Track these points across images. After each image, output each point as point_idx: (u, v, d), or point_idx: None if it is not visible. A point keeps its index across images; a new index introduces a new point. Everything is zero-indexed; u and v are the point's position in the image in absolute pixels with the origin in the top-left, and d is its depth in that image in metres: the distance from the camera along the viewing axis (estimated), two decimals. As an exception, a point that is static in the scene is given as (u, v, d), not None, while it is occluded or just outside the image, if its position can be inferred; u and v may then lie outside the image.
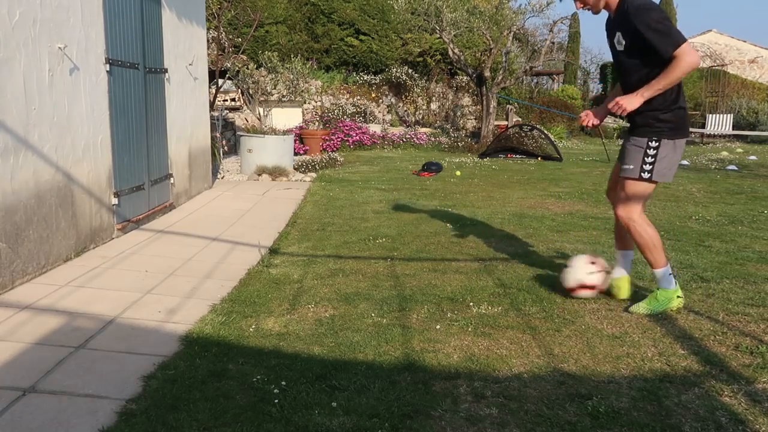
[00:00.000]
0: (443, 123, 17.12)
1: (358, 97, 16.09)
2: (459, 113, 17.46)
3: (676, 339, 2.96)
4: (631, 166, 3.19)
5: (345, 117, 14.59)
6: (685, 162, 11.17)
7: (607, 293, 3.52)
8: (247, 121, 12.49)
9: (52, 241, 4.09)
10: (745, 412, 2.29)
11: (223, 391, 2.42)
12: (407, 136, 14.29)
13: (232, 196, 7.29)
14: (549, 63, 19.67)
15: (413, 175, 9.42)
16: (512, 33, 14.44)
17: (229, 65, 12.57)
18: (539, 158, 11.82)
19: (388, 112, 16.66)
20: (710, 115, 18.33)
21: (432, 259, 4.44)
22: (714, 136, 18.25)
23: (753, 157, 12.38)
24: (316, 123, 13.74)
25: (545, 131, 13.56)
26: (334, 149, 12.94)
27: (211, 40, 11.64)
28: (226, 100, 13.20)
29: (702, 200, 7.02)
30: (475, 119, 17.21)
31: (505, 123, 15.96)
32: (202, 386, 2.46)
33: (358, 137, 13.45)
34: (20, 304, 3.38)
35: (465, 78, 16.63)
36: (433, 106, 17.45)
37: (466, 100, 17.54)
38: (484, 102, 14.14)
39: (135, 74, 5.37)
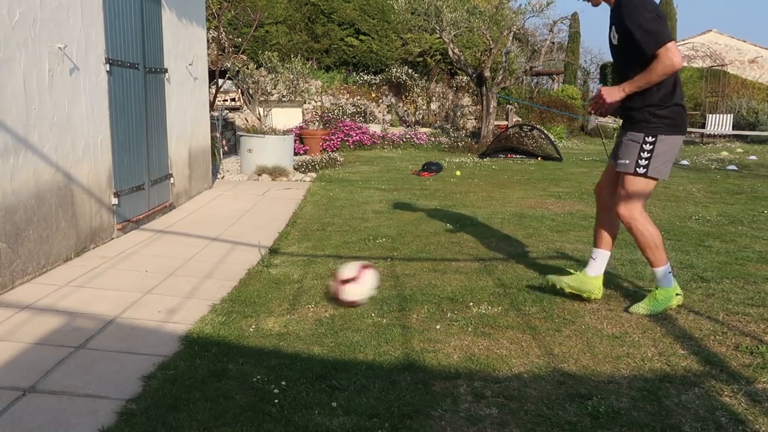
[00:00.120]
0: (443, 123, 17.12)
1: (358, 97, 16.09)
2: (459, 113, 17.46)
3: (676, 339, 2.96)
4: (627, 161, 3.17)
5: (345, 117, 14.59)
6: (685, 162, 11.17)
7: (578, 296, 3.47)
8: (247, 121, 12.49)
9: (52, 241, 4.09)
10: (745, 412, 2.29)
11: (223, 391, 2.42)
12: (407, 136, 14.29)
13: (232, 196, 7.29)
14: (549, 63, 19.67)
15: (413, 175, 9.42)
16: (512, 33, 14.44)
17: (229, 65, 12.57)
18: (539, 158, 11.82)
19: (388, 112, 16.66)
20: (710, 115, 18.33)
21: (432, 259, 4.44)
22: (714, 136, 18.25)
23: (753, 157, 12.38)
24: (316, 123, 13.74)
25: (545, 131, 13.56)
26: (334, 149, 12.94)
27: (211, 40, 11.64)
28: (226, 100, 13.20)
29: (702, 200, 7.02)
30: (475, 119, 17.21)
31: (505, 123, 15.96)
32: (202, 386, 2.46)
33: (358, 137, 13.45)
34: (20, 304, 3.38)
35: (465, 78, 16.63)
36: (433, 106, 17.46)
37: (466, 100, 17.54)
38: (484, 102, 14.14)
39: (135, 74, 5.37)
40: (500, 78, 14.06)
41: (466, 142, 14.04)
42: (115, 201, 5.01)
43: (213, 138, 8.55)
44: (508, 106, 17.12)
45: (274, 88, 13.52)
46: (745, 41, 23.14)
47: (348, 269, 3.45)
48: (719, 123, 17.97)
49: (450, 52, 13.93)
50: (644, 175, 3.15)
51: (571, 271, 3.62)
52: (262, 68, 12.85)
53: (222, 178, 8.72)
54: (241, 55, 14.06)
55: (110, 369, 2.64)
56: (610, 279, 3.76)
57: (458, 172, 9.59)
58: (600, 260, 3.47)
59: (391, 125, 15.98)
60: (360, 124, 14.33)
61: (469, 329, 3.10)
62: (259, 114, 12.31)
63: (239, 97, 13.48)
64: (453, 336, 3.01)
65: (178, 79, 6.52)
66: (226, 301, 3.51)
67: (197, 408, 2.29)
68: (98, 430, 2.16)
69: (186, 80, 6.78)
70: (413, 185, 8.27)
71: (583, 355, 2.79)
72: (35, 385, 2.47)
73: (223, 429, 2.16)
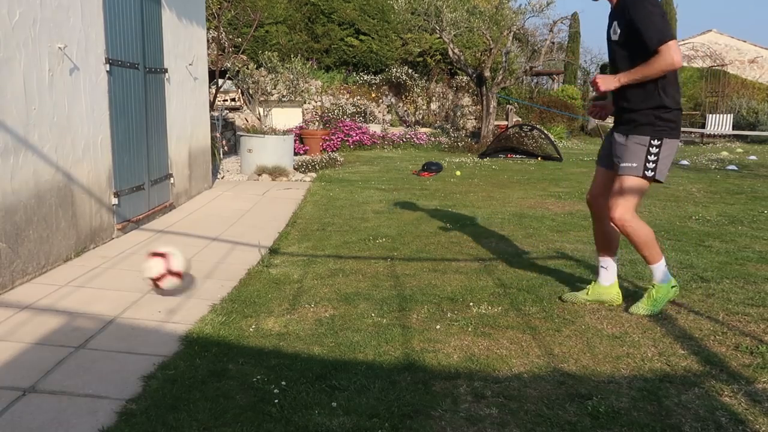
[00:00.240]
0: (443, 123, 17.12)
1: (358, 97, 16.09)
2: (459, 113, 17.46)
3: (676, 339, 2.96)
4: (635, 164, 3.13)
5: (345, 117, 14.58)
6: (685, 162, 11.17)
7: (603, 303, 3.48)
8: (247, 121, 12.49)
9: (52, 241, 4.09)
10: (745, 412, 2.29)
11: (223, 391, 2.42)
12: (407, 136, 14.29)
13: (232, 196, 7.29)
14: (549, 63, 19.67)
15: (413, 175, 9.42)
16: (512, 33, 14.44)
17: (229, 65, 12.57)
18: (539, 158, 11.82)
19: (388, 112, 16.66)
20: (710, 115, 18.33)
21: (432, 259, 4.44)
22: (714, 136, 18.25)
23: (753, 157, 12.38)
24: (316, 123, 13.74)
25: (545, 131, 13.56)
26: (334, 149, 12.94)
27: (211, 40, 11.64)
28: (226, 100, 13.20)
29: (702, 200, 7.02)
30: (475, 119, 17.21)
31: (505, 123, 15.96)
32: (202, 386, 2.46)
33: (358, 137, 13.45)
34: (20, 304, 3.38)
35: (465, 78, 16.63)
36: (433, 106, 17.46)
37: (466, 100, 17.54)
38: (484, 102, 14.14)
39: (135, 74, 5.37)
40: (500, 78, 14.06)
41: (466, 142, 14.04)
42: (115, 201, 5.01)
43: (213, 138, 8.55)
44: (508, 106, 17.12)
45: (274, 88, 13.52)
46: (745, 41, 23.15)
47: (151, 269, 3.48)
48: (719, 123, 17.97)
49: (450, 52, 13.93)
50: (651, 179, 3.13)
51: (578, 275, 3.61)
52: (262, 68, 12.85)
53: (222, 178, 8.72)
54: (241, 55, 14.06)
55: (110, 369, 2.64)
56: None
57: (458, 172, 9.59)
58: (611, 268, 3.45)
59: (391, 125, 15.98)
60: (360, 124, 14.33)
61: (469, 329, 3.10)
62: (259, 114, 12.32)
63: (239, 97, 13.48)
64: (453, 336, 3.01)
65: (178, 79, 6.52)
66: (226, 301, 3.51)
67: (197, 408, 2.29)
68: (98, 430, 2.16)
69: (186, 80, 6.78)
70: (413, 185, 8.27)
71: (583, 355, 2.79)
72: (35, 385, 2.47)
73: (223, 429, 2.16)
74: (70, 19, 4.32)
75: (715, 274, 3.98)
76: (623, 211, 3.16)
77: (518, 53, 16.44)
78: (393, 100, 16.80)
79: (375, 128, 14.50)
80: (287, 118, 13.67)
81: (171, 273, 3.49)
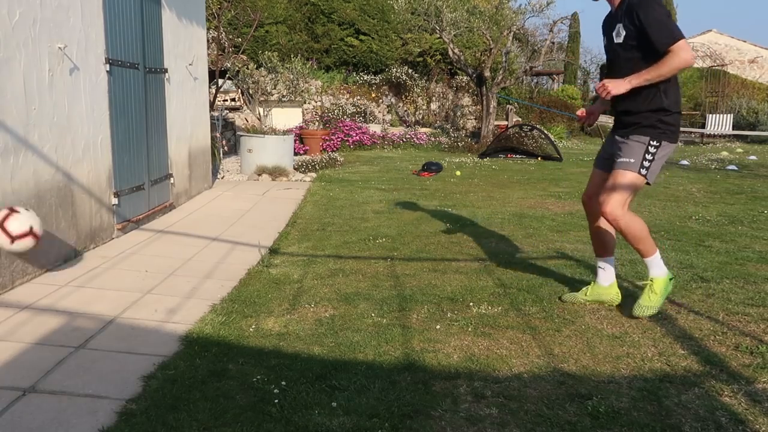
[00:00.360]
0: (443, 123, 17.12)
1: (358, 97, 16.09)
2: (459, 113, 17.46)
3: (676, 339, 2.96)
4: (632, 160, 3.12)
5: (345, 117, 14.58)
6: (685, 162, 11.17)
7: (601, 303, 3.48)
8: (247, 121, 12.49)
9: (52, 241, 4.09)
10: (745, 412, 2.29)
11: (223, 391, 2.42)
12: (407, 136, 14.29)
13: (232, 196, 7.29)
14: (549, 63, 19.67)
15: (413, 175, 9.41)
16: (512, 33, 14.44)
17: (229, 65, 12.57)
18: (539, 158, 11.82)
19: (388, 112, 16.66)
20: (710, 115, 18.33)
21: (432, 259, 4.44)
22: (714, 136, 18.26)
23: (753, 157, 12.38)
24: (316, 123, 13.74)
25: (545, 131, 13.56)
26: (334, 149, 12.94)
27: (211, 40, 11.65)
28: (226, 100, 13.20)
29: (702, 200, 7.02)
30: (475, 119, 17.22)
31: (505, 123, 15.96)
32: (202, 386, 2.46)
33: (358, 137, 13.45)
34: (20, 304, 3.38)
35: (465, 78, 16.63)
36: (433, 106, 17.46)
37: (466, 100, 17.54)
38: (484, 102, 14.14)
39: (135, 74, 5.37)
40: (500, 78, 14.06)
41: (466, 142, 14.04)
42: (115, 201, 5.01)
43: (213, 138, 8.55)
44: (508, 106, 17.12)
45: (274, 88, 13.52)
46: (745, 41, 23.14)
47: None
48: (719, 123, 17.97)
49: (450, 52, 13.93)
50: (644, 177, 3.13)
51: (583, 277, 3.61)
52: (262, 68, 12.85)
53: (222, 178, 8.72)
54: (241, 55, 14.06)
55: (110, 369, 2.64)
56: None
57: (458, 172, 9.59)
58: (609, 268, 3.44)
59: (391, 125, 15.99)
60: (360, 124, 14.33)
61: (469, 329, 3.10)
62: (259, 114, 12.31)
63: (239, 97, 13.47)
64: (453, 336, 3.01)
65: (178, 79, 6.52)
66: (226, 301, 3.51)
67: (197, 408, 2.29)
68: (98, 430, 2.16)
69: (186, 80, 6.78)
70: (413, 185, 8.27)
71: (583, 355, 2.79)
72: (35, 385, 2.47)
73: (223, 429, 2.16)
74: (70, 19, 4.32)
75: (715, 274, 3.98)
76: (615, 205, 3.13)
77: (518, 53, 16.44)
78: (393, 100, 16.80)
79: (375, 128, 14.50)
80: (287, 118, 13.67)
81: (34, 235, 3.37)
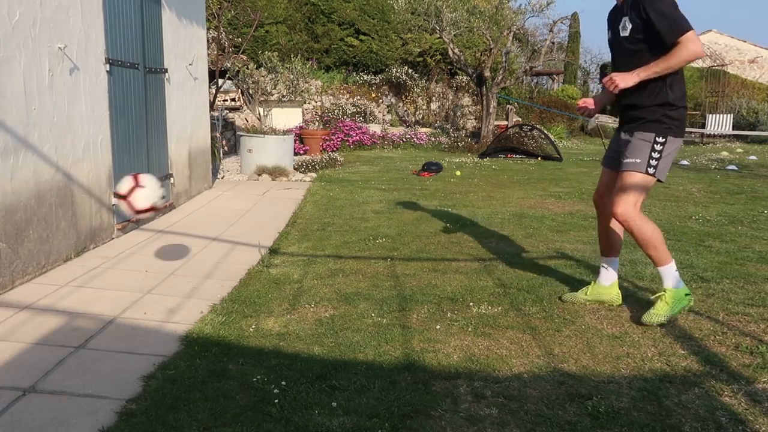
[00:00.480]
0: (443, 123, 17.13)
1: (358, 97, 16.10)
2: (459, 113, 17.46)
3: (676, 339, 2.96)
4: (638, 160, 3.08)
5: (345, 117, 14.59)
6: (685, 162, 11.18)
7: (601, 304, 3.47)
8: (247, 121, 12.49)
9: (52, 241, 4.09)
10: (745, 412, 2.29)
11: (223, 391, 2.42)
12: (407, 136, 14.29)
13: (232, 196, 7.29)
14: (549, 63, 19.67)
15: (413, 175, 9.41)
16: (512, 33, 14.44)
17: (229, 65, 12.57)
18: (539, 158, 11.82)
19: (388, 112, 16.66)
20: (710, 115, 18.33)
21: (432, 259, 4.44)
22: (714, 136, 18.26)
23: (753, 157, 12.38)
24: (316, 123, 13.74)
25: (545, 131, 13.56)
26: (334, 149, 12.94)
27: (211, 40, 11.65)
28: (226, 100, 13.20)
29: (702, 200, 7.02)
30: (475, 119, 17.22)
31: (505, 123, 15.96)
32: (202, 386, 2.46)
33: (358, 137, 13.45)
34: (20, 304, 3.38)
35: (465, 78, 16.63)
36: (433, 106, 17.46)
37: (466, 100, 17.54)
38: (484, 102, 14.14)
39: (135, 74, 5.37)
40: (500, 78, 14.06)
41: (466, 142, 14.04)
42: (115, 201, 5.00)
43: (213, 138, 8.55)
44: (508, 106, 17.13)
45: (274, 88, 13.52)
46: (745, 41, 23.15)
47: (122, 184, 3.43)
48: (719, 123, 17.97)
49: (450, 52, 13.93)
50: (652, 176, 3.08)
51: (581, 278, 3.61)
52: (262, 68, 12.85)
53: (222, 178, 8.72)
54: (241, 55, 14.06)
55: (110, 369, 2.64)
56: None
57: (458, 172, 9.59)
58: (612, 269, 3.44)
59: (391, 125, 15.99)
60: (360, 124, 14.33)
61: (469, 329, 3.10)
62: (259, 114, 12.32)
63: (239, 97, 13.48)
64: (453, 336, 3.01)
65: (178, 79, 6.52)
66: (226, 301, 3.51)
67: (197, 408, 2.29)
68: (98, 430, 2.16)
69: (186, 80, 6.78)
70: (413, 185, 8.27)
71: (583, 355, 2.79)
72: (35, 385, 2.47)
73: (223, 429, 2.16)
74: (70, 19, 4.32)
75: (715, 274, 3.98)
76: (626, 207, 3.11)
77: (518, 53, 16.44)
78: (393, 100, 16.80)
79: (375, 128, 14.50)
80: (287, 118, 13.67)
81: (129, 194, 3.40)
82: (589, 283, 3.52)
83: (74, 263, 4.24)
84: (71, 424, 2.20)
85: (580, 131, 18.32)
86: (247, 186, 8.10)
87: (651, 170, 3.08)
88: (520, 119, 17.14)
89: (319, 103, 15.53)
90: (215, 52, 11.43)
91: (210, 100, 9.17)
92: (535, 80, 21.81)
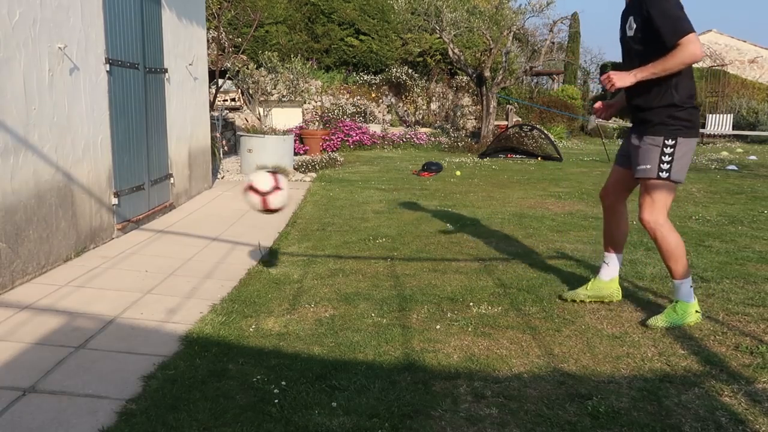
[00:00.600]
0: (443, 123, 17.13)
1: (358, 97, 16.10)
2: (459, 113, 17.46)
3: (676, 339, 2.96)
4: (648, 166, 3.06)
5: (345, 117, 14.59)
6: (685, 162, 11.16)
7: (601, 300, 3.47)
8: (247, 121, 12.49)
9: (52, 241, 4.09)
10: (745, 412, 2.29)
11: (223, 391, 2.42)
12: (407, 136, 14.29)
13: (232, 196, 7.29)
14: (549, 63, 19.67)
15: (413, 175, 9.42)
16: (512, 33, 14.44)
17: (229, 65, 12.57)
18: (539, 158, 11.82)
19: (388, 112, 16.67)
20: (710, 115, 18.33)
21: (432, 259, 4.44)
22: (714, 136, 18.26)
23: (753, 157, 12.38)
24: (316, 123, 13.74)
25: (545, 131, 13.56)
26: (334, 149, 12.94)
27: (211, 40, 11.64)
28: (226, 100, 13.20)
29: (702, 200, 7.02)
30: (475, 119, 17.22)
31: (505, 123, 15.97)
32: (202, 386, 2.46)
33: (358, 137, 13.45)
34: (20, 304, 3.38)
35: (465, 78, 16.63)
36: (433, 106, 17.46)
37: (466, 100, 17.55)
38: (484, 102, 14.14)
39: (135, 74, 5.37)
40: (500, 78, 14.07)
41: (466, 142, 14.04)
42: (115, 201, 5.01)
43: (213, 138, 8.55)
44: (508, 106, 17.13)
45: (274, 88, 13.53)
46: (745, 41, 23.15)
47: (263, 180, 3.49)
48: (719, 123, 17.97)
49: (450, 52, 13.93)
50: (667, 179, 3.05)
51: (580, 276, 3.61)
52: (262, 68, 12.85)
53: (222, 178, 8.72)
54: (241, 55, 14.06)
55: (110, 369, 2.64)
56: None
57: (458, 172, 9.59)
58: (612, 264, 3.44)
59: (391, 125, 15.99)
60: (360, 124, 14.33)
61: (469, 329, 3.10)
62: (259, 114, 12.32)
63: (239, 97, 13.48)
64: (453, 336, 3.01)
65: (178, 79, 6.52)
66: (226, 301, 3.50)
67: (197, 408, 2.29)
68: (98, 430, 2.16)
69: (186, 80, 6.78)
70: (413, 185, 8.27)
71: (583, 355, 2.79)
72: (35, 385, 2.47)
73: (223, 429, 2.16)
74: (70, 19, 4.32)
75: (715, 274, 3.98)
76: (652, 214, 3.09)
77: (518, 53, 16.44)
78: (393, 100, 16.80)
79: (375, 128, 14.50)
80: (287, 118, 13.67)
81: (269, 192, 3.50)
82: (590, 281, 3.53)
83: (74, 263, 4.24)
84: (71, 424, 2.20)
85: (580, 131, 18.32)
86: (247, 186, 8.09)
87: (663, 174, 3.04)
88: (520, 119, 17.14)
89: (319, 103, 15.53)
90: (215, 52, 11.43)
91: (210, 100, 9.17)
92: (535, 80, 21.81)
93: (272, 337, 2.98)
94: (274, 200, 3.51)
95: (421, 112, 17.26)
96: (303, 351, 2.82)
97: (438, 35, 14.23)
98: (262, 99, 13.08)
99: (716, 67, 20.20)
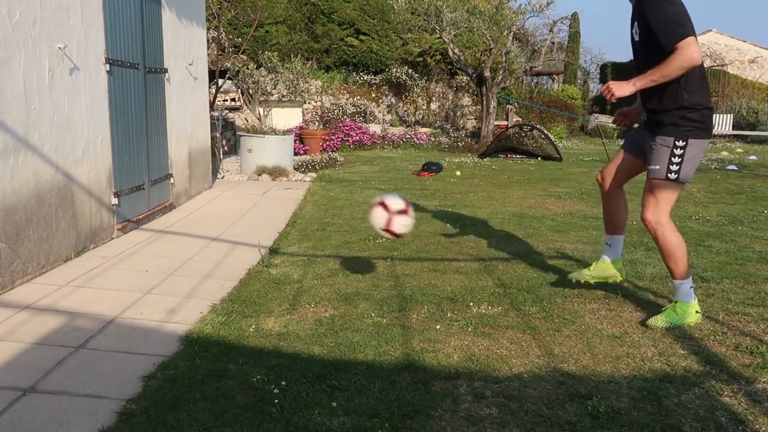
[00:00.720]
0: (443, 123, 17.13)
1: (358, 97, 16.10)
2: (459, 113, 17.46)
3: (676, 339, 2.96)
4: (658, 167, 3.07)
5: (345, 117, 14.59)
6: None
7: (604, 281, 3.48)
8: (247, 121, 12.50)
9: (52, 241, 4.09)
10: (745, 412, 2.28)
11: (223, 391, 2.42)
12: (407, 136, 14.29)
13: (232, 196, 7.29)
14: (549, 63, 19.68)
15: (413, 175, 9.41)
16: (512, 33, 14.44)
17: (229, 65, 12.57)
18: (539, 158, 11.82)
19: (388, 112, 16.67)
20: (710, 115, 18.31)
21: (432, 259, 4.44)
22: (714, 136, 18.24)
23: (753, 157, 12.38)
24: (316, 123, 13.74)
25: (545, 131, 13.56)
26: (334, 149, 12.94)
27: (211, 40, 11.64)
28: (226, 100, 13.20)
29: (702, 200, 7.02)
30: (475, 119, 17.22)
31: (505, 123, 15.97)
32: (202, 386, 2.46)
33: (358, 137, 13.45)
34: (20, 304, 3.38)
35: (465, 78, 16.63)
36: (433, 106, 17.46)
37: (466, 100, 17.55)
38: (484, 102, 14.14)
39: (135, 74, 5.37)
40: (500, 78, 14.07)
41: (466, 142, 14.04)
42: (115, 201, 5.01)
43: (213, 138, 8.55)
44: (508, 106, 17.13)
45: (274, 88, 13.52)
46: (745, 41, 23.16)
47: (396, 200, 3.51)
48: (719, 123, 17.98)
49: (450, 52, 13.93)
50: (675, 181, 3.06)
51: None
52: (262, 68, 12.85)
53: (222, 178, 8.72)
54: (241, 55, 14.06)
55: (110, 369, 2.64)
56: (610, 279, 3.75)
57: (458, 172, 9.59)
58: (615, 245, 3.46)
59: (391, 125, 15.99)
60: (360, 124, 14.33)
61: (469, 329, 3.09)
62: (259, 114, 12.32)
63: (239, 97, 13.48)
64: (453, 336, 3.01)
65: (178, 79, 6.52)
66: (226, 301, 3.50)
67: (197, 408, 2.29)
68: (98, 430, 2.16)
69: (186, 80, 6.78)
70: (413, 185, 8.27)
71: (583, 355, 2.79)
72: (35, 385, 2.47)
73: (223, 429, 2.16)
74: (70, 19, 4.32)
75: (715, 274, 3.98)
76: (654, 213, 3.10)
77: (518, 53, 16.45)
78: (393, 100, 16.80)
79: (375, 128, 14.50)
80: (287, 118, 13.67)
81: (397, 213, 3.50)
82: (590, 282, 3.53)
83: (74, 263, 4.24)
84: (71, 424, 2.20)
85: (580, 131, 18.32)
86: (247, 186, 8.10)
87: (672, 175, 3.05)
88: (520, 119, 17.14)
89: (319, 103, 15.53)
90: (215, 52, 11.43)
91: (210, 100, 9.17)
92: (535, 80, 21.82)
93: (272, 337, 2.98)
94: (398, 221, 3.51)
95: (421, 112, 17.26)
96: (303, 351, 2.82)
97: (438, 35, 14.23)
98: (262, 99, 13.08)
99: (716, 67, 20.20)
